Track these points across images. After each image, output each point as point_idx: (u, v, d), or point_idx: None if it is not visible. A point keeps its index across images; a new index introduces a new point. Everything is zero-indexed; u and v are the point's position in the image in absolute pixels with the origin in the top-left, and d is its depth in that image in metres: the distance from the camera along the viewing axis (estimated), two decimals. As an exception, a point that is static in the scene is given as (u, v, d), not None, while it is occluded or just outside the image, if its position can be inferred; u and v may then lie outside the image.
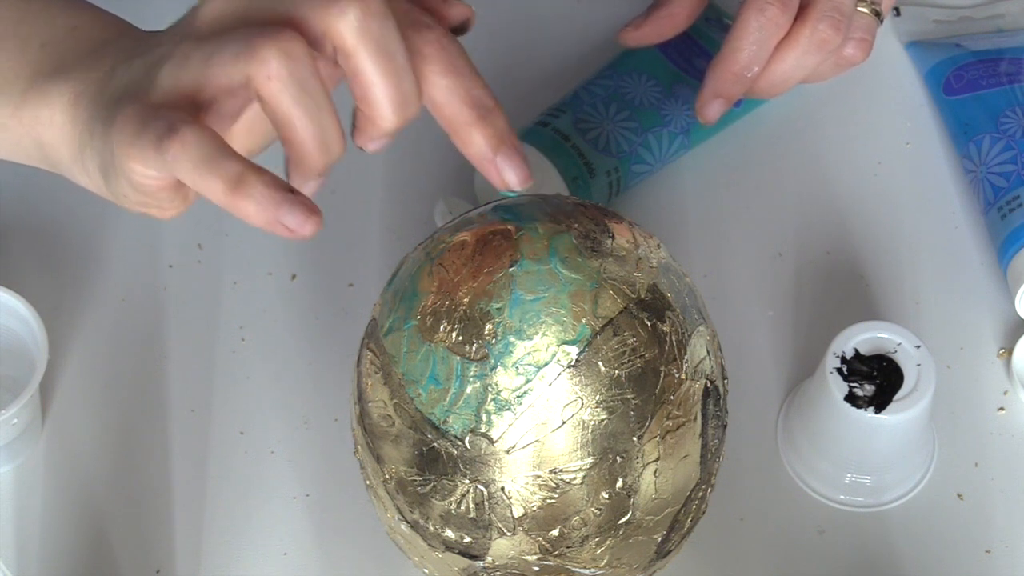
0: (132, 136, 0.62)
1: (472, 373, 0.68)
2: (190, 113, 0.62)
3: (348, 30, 0.61)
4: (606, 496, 0.69)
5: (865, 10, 0.83)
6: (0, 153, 0.70)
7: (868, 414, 0.79)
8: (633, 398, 0.69)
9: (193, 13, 0.65)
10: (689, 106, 0.90)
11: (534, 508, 0.69)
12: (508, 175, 0.68)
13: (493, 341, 0.68)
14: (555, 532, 0.70)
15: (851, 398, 0.79)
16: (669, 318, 0.70)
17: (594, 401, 0.68)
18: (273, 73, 0.60)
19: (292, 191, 0.60)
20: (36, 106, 0.67)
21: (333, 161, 0.62)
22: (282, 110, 0.61)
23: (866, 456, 0.81)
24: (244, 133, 0.68)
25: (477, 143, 0.67)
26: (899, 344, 0.80)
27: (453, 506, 0.70)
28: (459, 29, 0.69)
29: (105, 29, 0.69)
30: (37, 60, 0.68)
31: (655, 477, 0.70)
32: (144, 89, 0.63)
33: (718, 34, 0.92)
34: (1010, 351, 0.87)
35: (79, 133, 0.66)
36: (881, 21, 0.84)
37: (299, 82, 0.61)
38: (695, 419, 0.71)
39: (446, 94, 0.66)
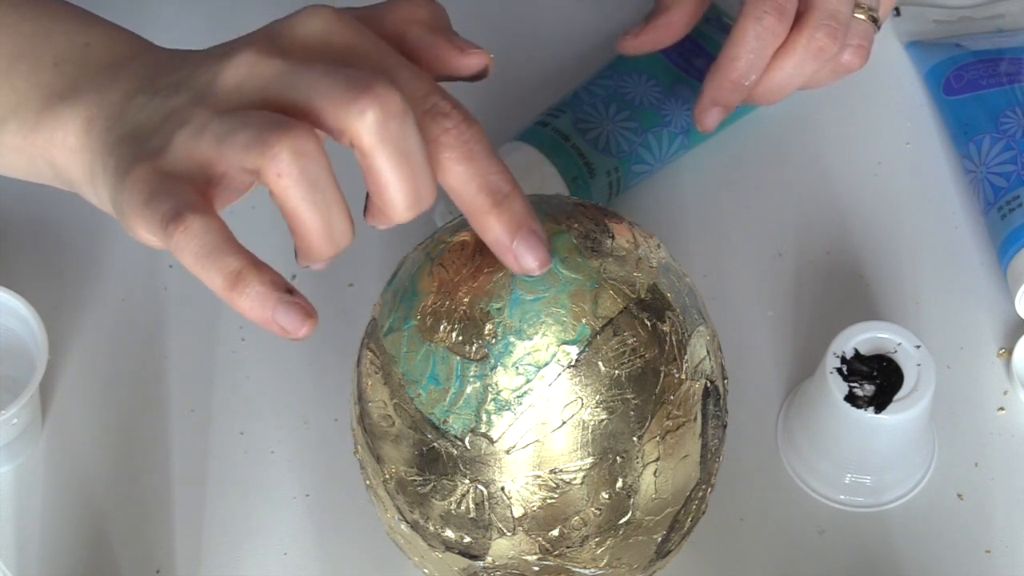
0: (141, 206, 0.62)
1: (472, 373, 0.68)
2: (201, 185, 0.62)
3: (366, 131, 0.61)
4: (606, 496, 0.69)
5: (862, 16, 0.83)
6: (16, 172, 0.70)
7: (868, 414, 0.79)
8: (633, 398, 0.69)
9: (216, 65, 0.64)
10: (689, 106, 0.90)
11: (534, 508, 0.69)
12: (526, 260, 0.66)
13: (493, 341, 0.68)
14: (555, 532, 0.70)
15: (851, 398, 0.79)
16: (669, 318, 0.70)
17: (594, 401, 0.68)
18: (284, 171, 0.60)
19: (291, 290, 0.61)
20: (51, 129, 0.67)
21: (341, 250, 0.63)
22: (291, 205, 0.61)
23: (866, 456, 0.82)
24: None
25: (494, 230, 0.66)
26: (899, 344, 0.80)
27: (453, 506, 0.70)
28: (477, 77, 0.68)
29: (119, 47, 0.69)
30: (51, 80, 0.68)
31: (655, 477, 0.70)
32: (157, 148, 0.63)
33: (718, 34, 0.92)
34: (1010, 351, 0.87)
35: (90, 160, 0.66)
36: (879, 27, 0.84)
37: (309, 180, 0.60)
38: (695, 419, 0.71)
39: (462, 181, 0.65)
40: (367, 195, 0.64)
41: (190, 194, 0.61)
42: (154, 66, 0.67)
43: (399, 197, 0.63)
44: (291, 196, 0.61)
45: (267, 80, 0.63)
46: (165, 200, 0.61)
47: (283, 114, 0.62)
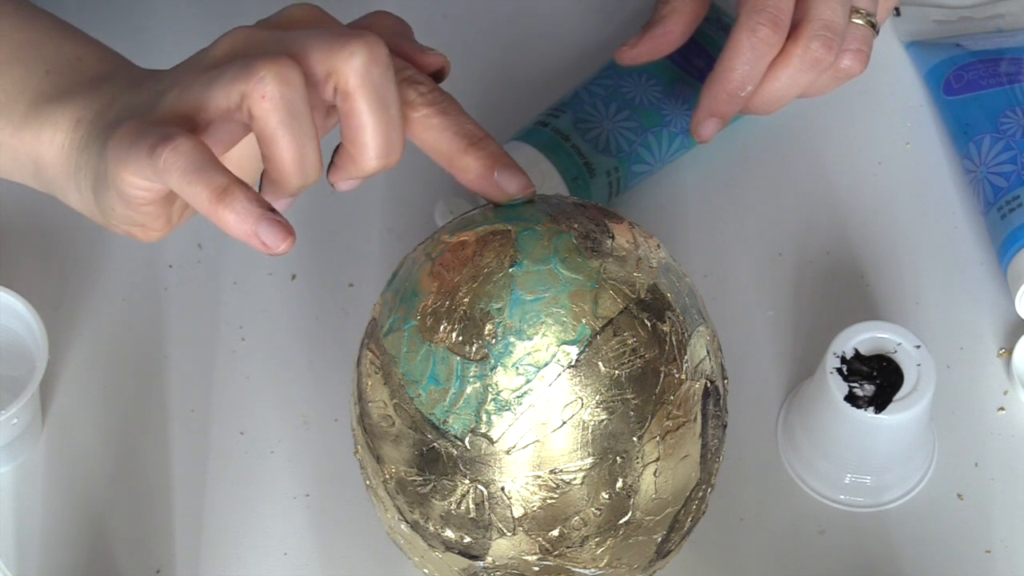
0: (128, 146, 0.64)
1: (472, 373, 0.68)
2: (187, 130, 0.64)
3: (353, 72, 0.65)
4: (606, 496, 0.69)
5: (860, 21, 0.83)
6: None
7: (868, 414, 0.79)
8: (633, 398, 0.69)
9: (201, 53, 0.68)
10: (689, 106, 0.90)
11: (534, 508, 0.69)
12: (509, 186, 0.69)
13: (493, 341, 0.68)
14: (555, 532, 0.70)
15: (851, 398, 0.79)
16: (669, 318, 0.70)
17: (594, 401, 0.68)
18: (267, 93, 0.63)
19: (272, 210, 0.63)
20: (39, 127, 0.70)
21: (307, 185, 0.65)
22: (270, 128, 0.64)
23: (866, 456, 0.82)
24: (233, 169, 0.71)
25: (473, 167, 0.69)
26: (899, 344, 0.80)
27: (453, 506, 0.70)
28: (434, 77, 0.71)
29: (108, 63, 0.72)
30: (41, 85, 0.71)
31: (655, 477, 0.70)
32: (144, 111, 0.66)
33: (718, 34, 0.92)
34: (1010, 351, 0.87)
35: (77, 153, 0.69)
36: (877, 31, 0.84)
37: (289, 106, 0.64)
38: (695, 419, 0.71)
39: (438, 131, 0.69)
40: (335, 149, 0.67)
41: (176, 127, 0.64)
42: (141, 76, 0.70)
43: (372, 142, 0.66)
44: (271, 120, 0.64)
45: (257, 44, 0.66)
46: (152, 134, 0.64)
47: None
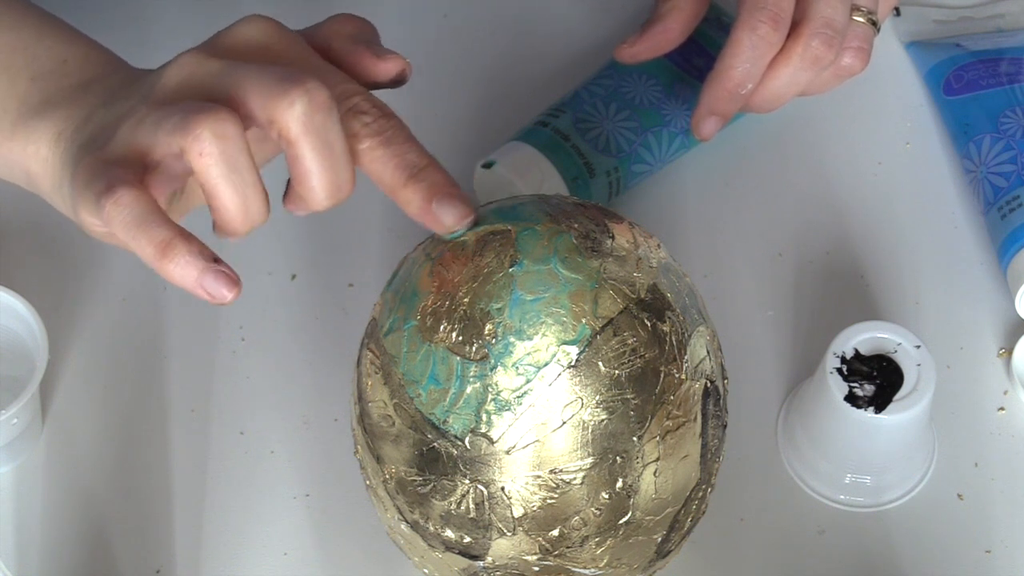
0: (82, 187, 0.66)
1: (472, 373, 0.68)
2: (137, 172, 0.65)
3: (294, 122, 0.65)
4: (606, 496, 0.69)
5: (861, 19, 0.83)
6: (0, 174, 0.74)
7: (868, 414, 0.79)
8: (633, 398, 0.69)
9: (161, 70, 0.68)
10: (689, 106, 0.90)
11: (534, 508, 0.69)
12: (445, 218, 0.69)
13: (493, 341, 0.68)
14: (555, 532, 0.70)
15: (851, 398, 0.79)
16: (669, 318, 0.70)
17: (594, 401, 0.68)
18: (204, 151, 0.64)
19: (216, 260, 0.64)
20: (24, 140, 0.71)
21: (255, 227, 0.66)
22: (211, 183, 0.65)
23: (866, 456, 0.82)
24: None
25: (413, 200, 0.69)
26: (899, 344, 0.80)
27: (453, 506, 0.70)
28: (395, 82, 0.71)
29: (93, 65, 0.73)
30: (26, 93, 0.72)
31: (655, 477, 0.70)
32: (104, 142, 0.67)
33: (717, 33, 0.92)
34: (1010, 351, 0.87)
35: (58, 169, 0.70)
36: (878, 29, 0.84)
37: (228, 160, 0.64)
38: (695, 419, 0.71)
39: (380, 164, 0.68)
40: (288, 182, 0.68)
41: (124, 173, 0.65)
42: (119, 84, 0.71)
43: (319, 185, 0.66)
44: (211, 175, 0.64)
45: (205, 77, 0.67)
46: (100, 180, 0.65)
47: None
